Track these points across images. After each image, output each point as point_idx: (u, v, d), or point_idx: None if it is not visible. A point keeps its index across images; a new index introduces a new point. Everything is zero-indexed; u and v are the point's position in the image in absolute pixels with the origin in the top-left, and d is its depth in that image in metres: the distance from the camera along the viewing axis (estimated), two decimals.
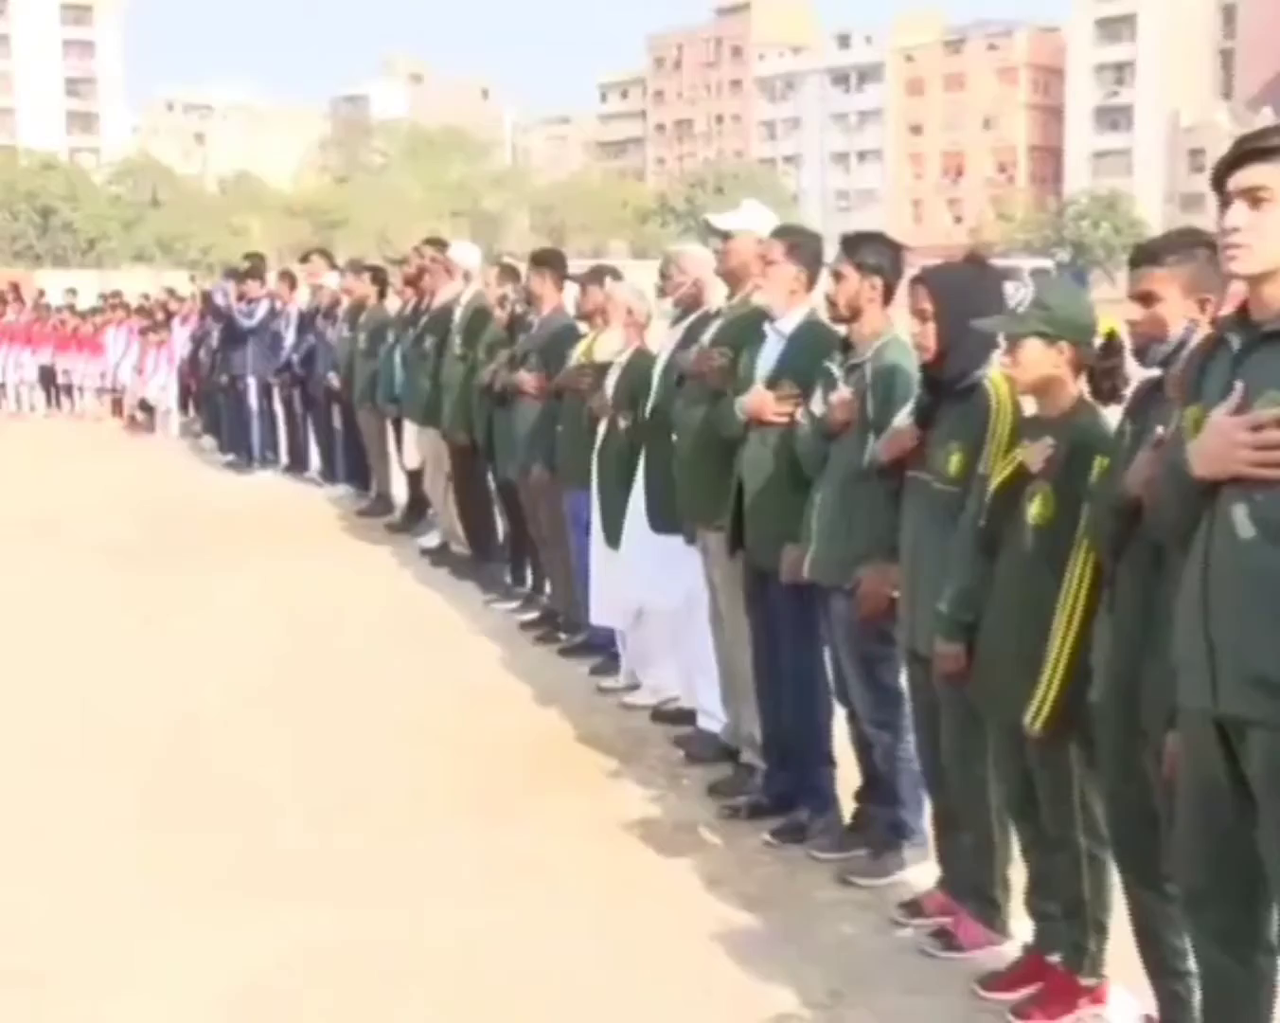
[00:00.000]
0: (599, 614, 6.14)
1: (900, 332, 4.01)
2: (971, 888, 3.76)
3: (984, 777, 3.58)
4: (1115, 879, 3.29)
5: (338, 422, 11.01)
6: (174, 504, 11.03)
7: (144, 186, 68.09)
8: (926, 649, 3.61)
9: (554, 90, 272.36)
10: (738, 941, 3.85)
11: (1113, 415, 3.21)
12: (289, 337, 11.88)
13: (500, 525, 8.06)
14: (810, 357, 4.35)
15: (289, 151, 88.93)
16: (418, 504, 9.61)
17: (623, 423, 5.81)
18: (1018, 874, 3.65)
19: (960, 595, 3.44)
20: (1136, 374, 3.16)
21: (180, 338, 15.87)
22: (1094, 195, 67.32)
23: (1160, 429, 2.82)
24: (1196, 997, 2.95)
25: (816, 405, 4.20)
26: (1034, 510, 3.24)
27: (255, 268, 13.04)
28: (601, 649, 6.38)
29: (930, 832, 4.05)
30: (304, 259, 12.37)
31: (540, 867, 4.38)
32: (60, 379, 18.55)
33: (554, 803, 4.88)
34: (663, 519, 5.36)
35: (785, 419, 4.38)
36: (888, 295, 4.13)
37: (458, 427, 7.97)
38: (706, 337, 4.95)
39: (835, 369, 4.17)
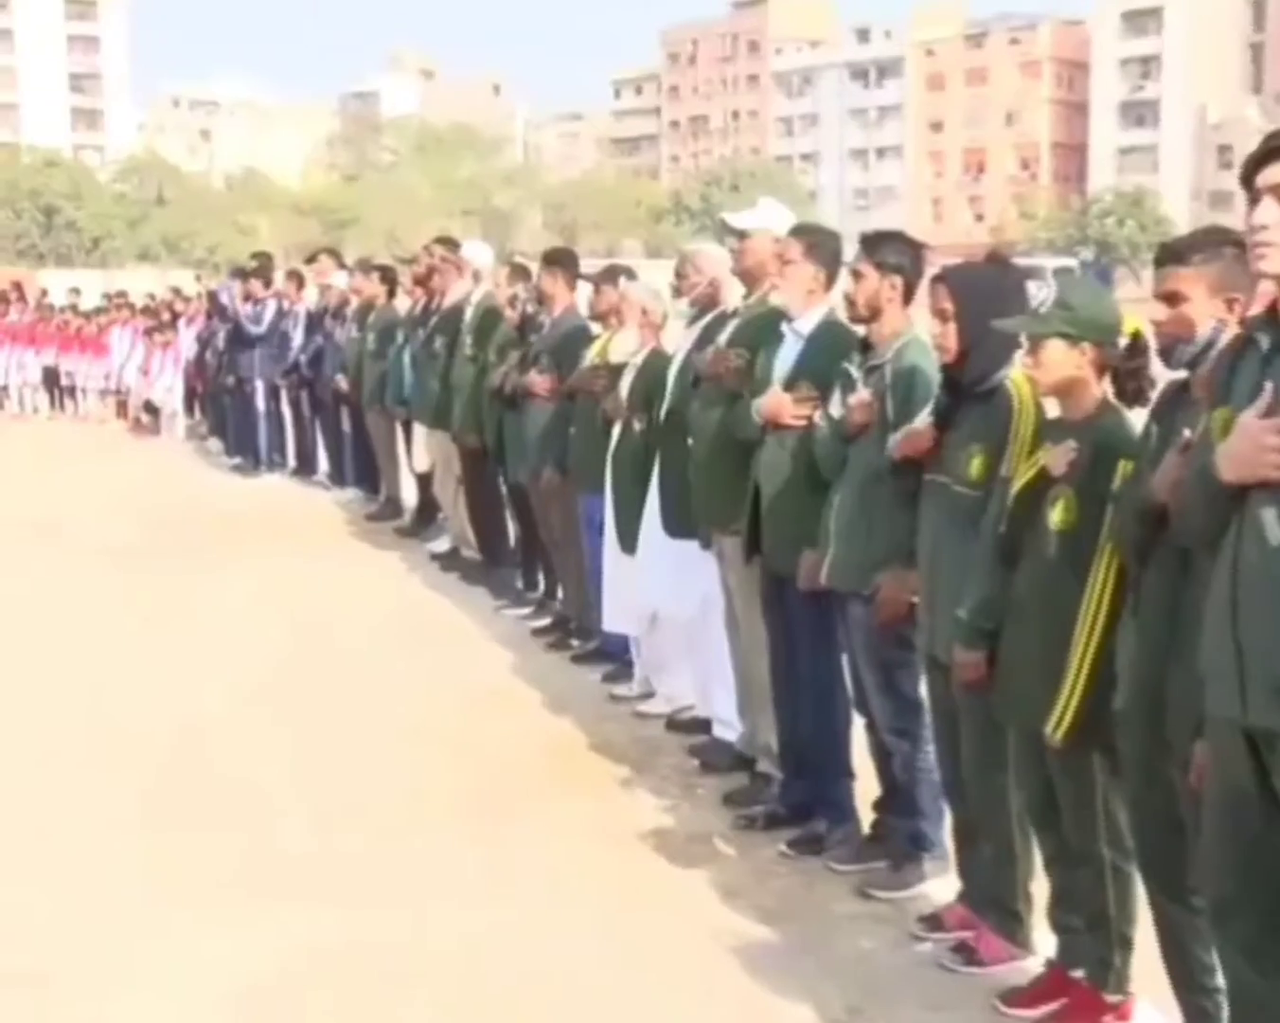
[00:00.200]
0: (612, 620, 6.15)
1: (921, 332, 4.02)
2: (993, 901, 3.76)
3: (1005, 787, 3.57)
4: (1140, 892, 3.28)
5: (346, 424, 11.03)
6: (179, 507, 11.08)
7: (149, 184, 68.37)
8: (946, 656, 3.61)
9: (567, 86, 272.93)
10: (753, 953, 3.85)
11: (1138, 418, 3.21)
12: (297, 337, 11.92)
13: (511, 530, 8.07)
14: (828, 358, 4.35)
15: (297, 149, 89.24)
16: (427, 508, 9.63)
17: (638, 425, 5.82)
18: (1040, 887, 3.65)
19: (981, 602, 3.44)
20: (1162, 376, 3.15)
21: (186, 339, 15.92)
22: (1119, 193, 67.15)
23: (1187, 432, 2.82)
24: (1225, 1013, 2.94)
25: (835, 407, 4.20)
26: (1056, 515, 3.24)
27: (262, 267, 13.08)
28: (615, 656, 6.39)
29: (950, 844, 4.05)
30: (312, 258, 12.40)
31: (547, 873, 4.40)
32: (64, 381, 18.60)
33: (562, 810, 4.89)
34: (678, 523, 5.36)
35: (803, 422, 4.38)
36: (908, 295, 4.13)
37: (468, 429, 7.99)
38: (723, 337, 4.95)
39: (854, 370, 4.17)
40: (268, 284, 12.78)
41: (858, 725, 4.46)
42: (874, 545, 3.99)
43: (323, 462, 12.13)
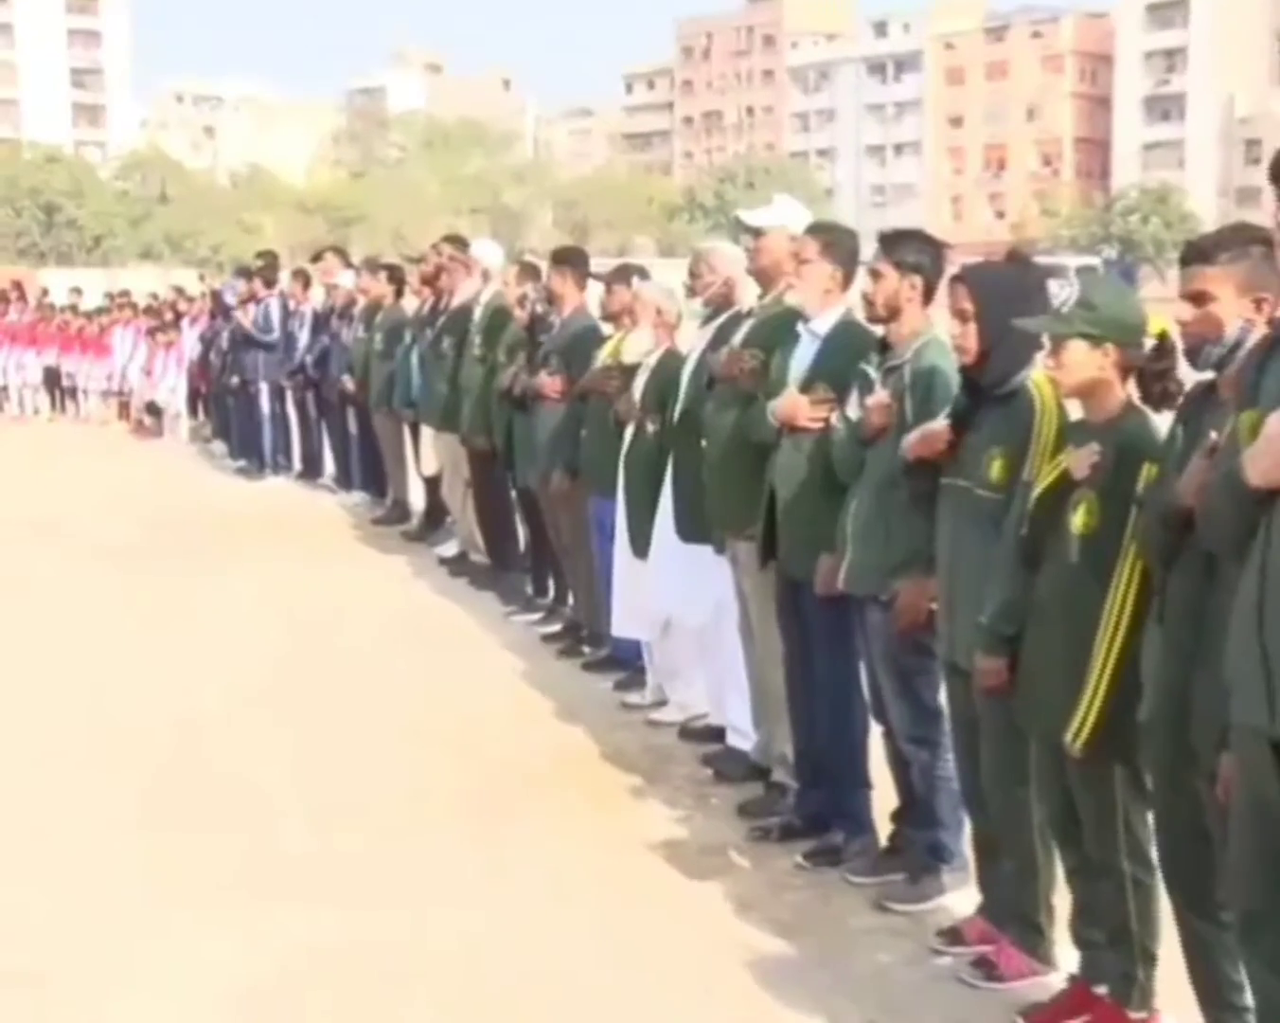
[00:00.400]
0: (622, 625, 6.15)
1: (940, 332, 4.02)
2: (1014, 915, 3.76)
3: (1026, 798, 3.57)
4: (1165, 906, 3.28)
5: (353, 426, 11.06)
6: (182, 510, 11.12)
7: (152, 181, 68.60)
8: (966, 663, 3.61)
9: (578, 81, 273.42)
10: (767, 967, 3.85)
11: (1165, 421, 3.21)
12: (303, 338, 11.94)
13: (521, 534, 8.09)
14: (845, 359, 4.35)
15: (302, 145, 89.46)
16: (435, 512, 9.65)
17: (651, 427, 5.83)
18: (1062, 900, 3.64)
19: (1002, 608, 3.44)
20: (1189, 377, 3.15)
21: (189, 339, 15.96)
22: (1143, 189, 67.00)
23: (1214, 434, 2.81)
24: None
25: (852, 409, 4.20)
26: (1078, 519, 3.24)
27: (268, 266, 13.11)
28: (627, 664, 6.40)
29: (970, 855, 4.05)
30: (318, 257, 12.43)
31: (550, 878, 4.43)
32: (65, 382, 18.66)
33: (572, 820, 4.91)
34: (691, 528, 5.37)
35: (819, 424, 4.39)
36: (928, 295, 4.13)
37: (477, 431, 8.00)
38: (737, 338, 4.96)
39: (872, 371, 4.17)
40: (269, 284, 12.81)
41: (875, 734, 4.46)
42: (892, 550, 3.99)
43: (328, 464, 12.15)
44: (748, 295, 5.23)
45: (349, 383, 10.65)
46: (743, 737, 5.31)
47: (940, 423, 3.77)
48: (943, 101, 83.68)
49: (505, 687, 6.51)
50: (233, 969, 3.84)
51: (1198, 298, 2.96)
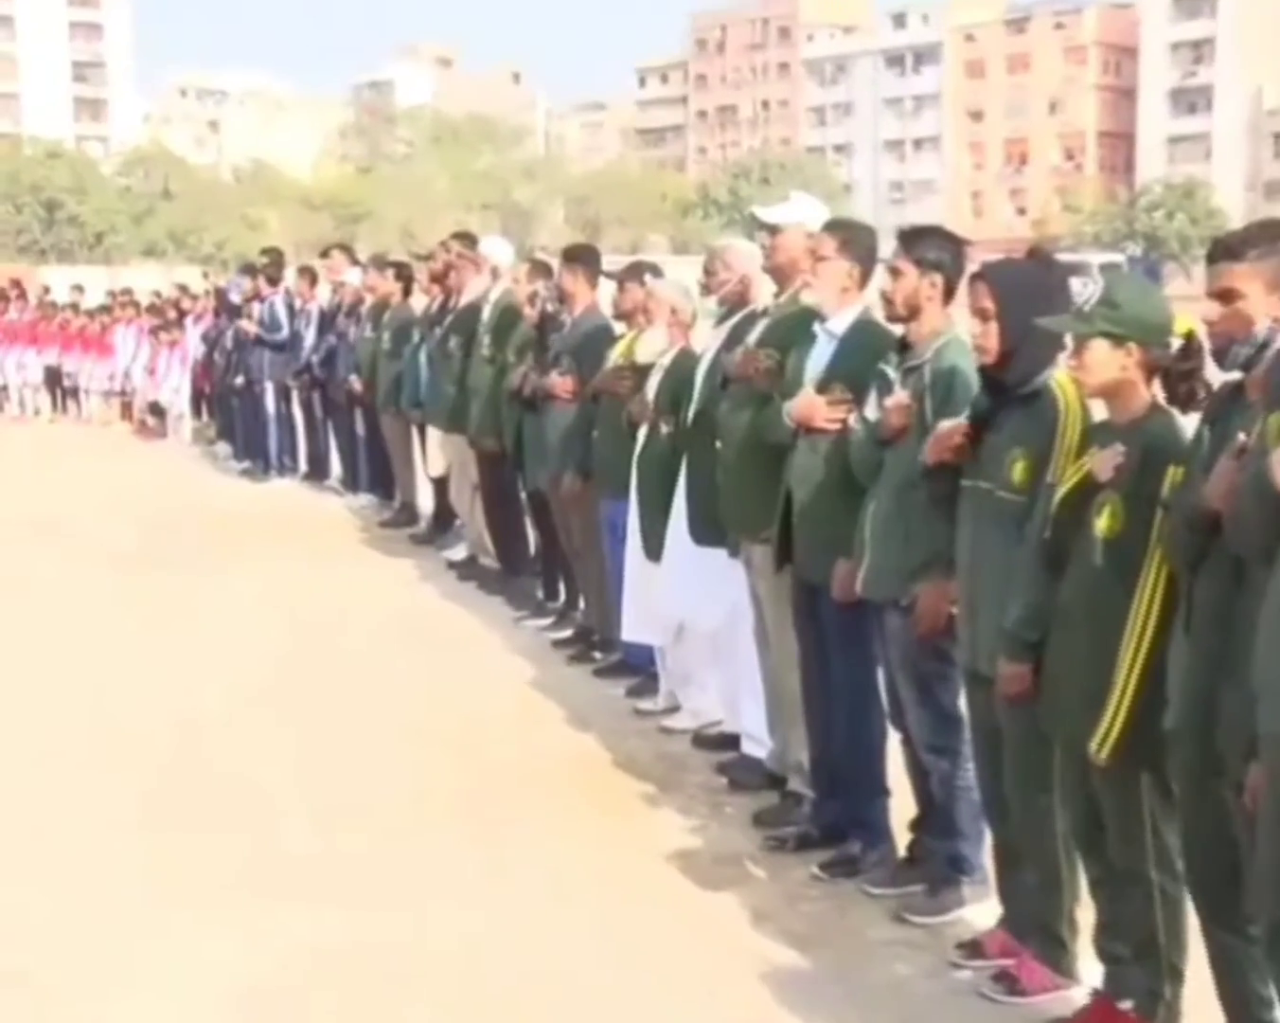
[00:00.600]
0: (632, 630, 6.16)
1: (961, 332, 4.02)
2: (1036, 927, 3.75)
3: (1050, 806, 3.57)
4: (1192, 920, 3.27)
5: (360, 427, 11.08)
6: (185, 512, 11.15)
7: (155, 177, 68.81)
8: (988, 669, 3.61)
9: (589, 75, 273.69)
10: (783, 981, 3.86)
11: (1190, 423, 3.21)
12: (309, 337, 11.96)
13: (531, 538, 8.10)
14: (863, 358, 4.36)
15: (308, 140, 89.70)
16: (444, 515, 9.66)
17: (665, 428, 5.83)
18: (1086, 913, 3.64)
19: (1025, 612, 3.44)
20: (1217, 378, 3.15)
21: (193, 338, 16.00)
22: (1169, 184, 66.87)
23: (1242, 436, 2.81)
24: None
25: (871, 410, 4.20)
26: (1102, 522, 3.24)
27: (273, 264, 13.14)
28: (639, 669, 6.40)
29: (991, 866, 4.04)
30: (324, 254, 12.45)
31: (559, 887, 4.45)
32: (66, 382, 18.72)
33: (581, 826, 4.93)
34: (705, 530, 5.38)
35: (836, 425, 4.39)
36: (948, 293, 4.13)
37: (486, 432, 8.01)
38: (752, 337, 4.96)
39: (891, 372, 4.17)
40: (274, 282, 12.84)
41: (893, 742, 4.46)
42: (912, 553, 3.99)
43: (335, 466, 12.18)
44: (764, 294, 5.24)
45: (356, 383, 10.67)
46: (758, 744, 5.31)
47: (957, 421, 3.77)
48: (962, 95, 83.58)
49: (513, 691, 6.53)
50: (234, 970, 3.91)
51: (1225, 296, 2.96)
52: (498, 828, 4.92)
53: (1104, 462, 3.26)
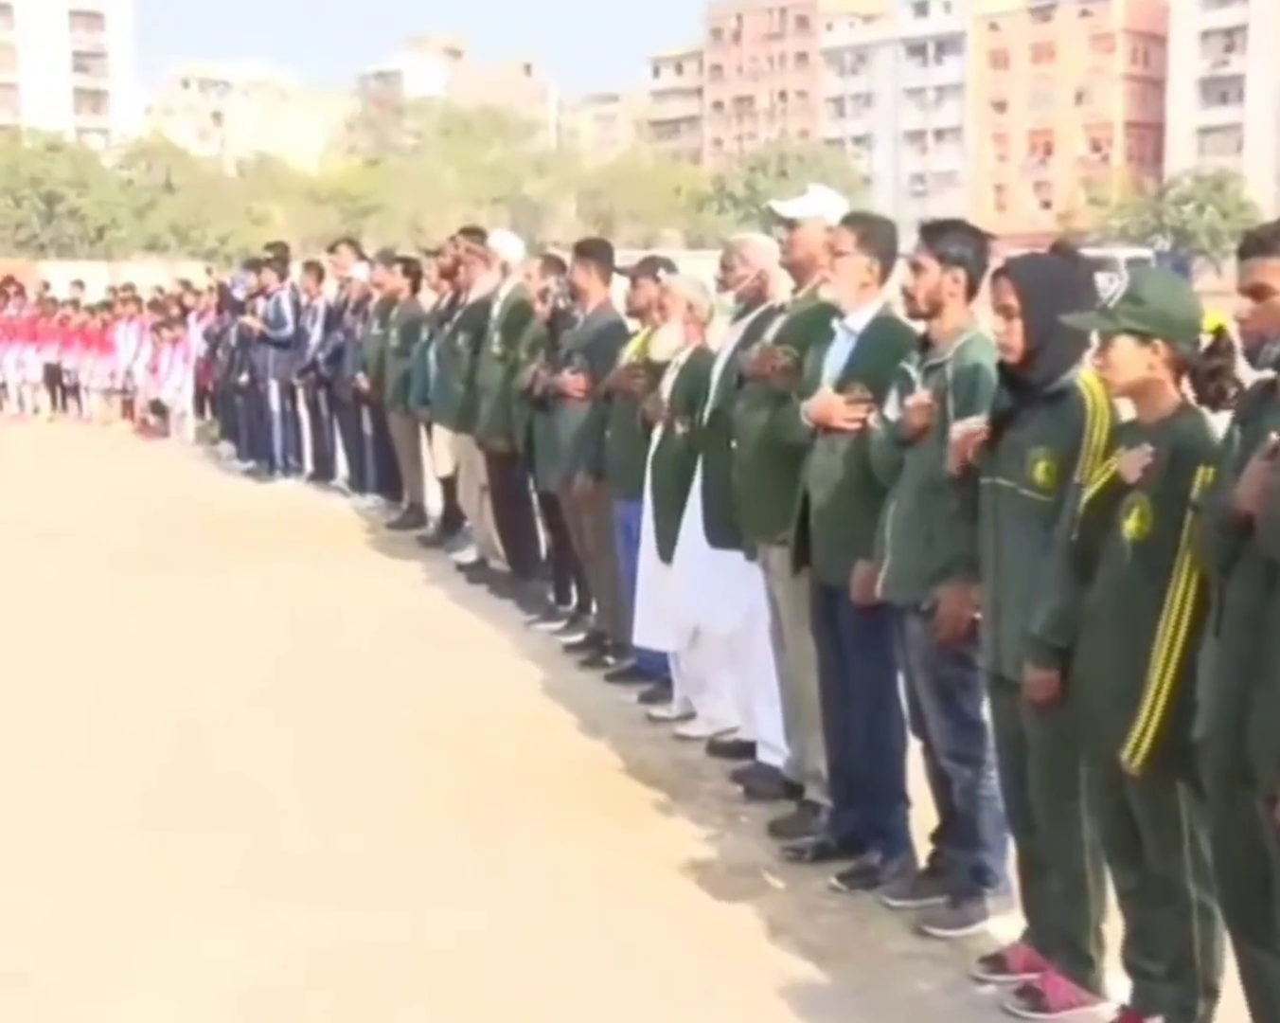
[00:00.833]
0: (644, 635, 6.17)
1: (984, 329, 4.02)
2: (1061, 941, 3.75)
3: (1077, 816, 3.56)
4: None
5: (367, 426, 11.11)
6: (188, 513, 11.19)
7: (157, 170, 69.01)
8: (1013, 674, 3.60)
9: (602, 65, 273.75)
10: (800, 995, 3.86)
11: (1221, 422, 3.20)
12: (315, 334, 11.99)
13: (543, 540, 8.11)
14: (883, 356, 4.36)
15: (314, 132, 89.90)
16: (453, 516, 9.68)
17: (680, 428, 5.84)
18: (1113, 926, 3.63)
19: (1053, 617, 3.44)
20: (1249, 376, 3.14)
21: (196, 335, 16.05)
22: (1199, 176, 66.70)
23: (1274, 436, 2.80)
24: None
25: (891, 409, 4.21)
26: (1131, 524, 3.23)
27: (278, 259, 13.17)
28: (653, 675, 6.41)
29: (1015, 878, 4.04)
30: (331, 249, 12.49)
31: (567, 897, 4.47)
32: (66, 379, 18.78)
33: (591, 834, 4.94)
34: (721, 532, 5.38)
35: (855, 425, 4.39)
36: (971, 289, 4.13)
37: (496, 432, 8.02)
38: (769, 334, 4.96)
39: (912, 370, 4.17)
40: (281, 276, 12.88)
41: (914, 749, 4.46)
42: (933, 556, 3.98)
43: (341, 466, 12.21)
44: (782, 290, 5.24)
45: (363, 381, 10.69)
46: (774, 752, 5.32)
47: (978, 421, 3.76)
48: (986, 85, 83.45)
49: (522, 695, 6.55)
50: (233, 969, 3.98)
51: (1257, 292, 2.96)
52: (498, 829, 4.97)
53: (1132, 463, 3.25)
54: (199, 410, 16.37)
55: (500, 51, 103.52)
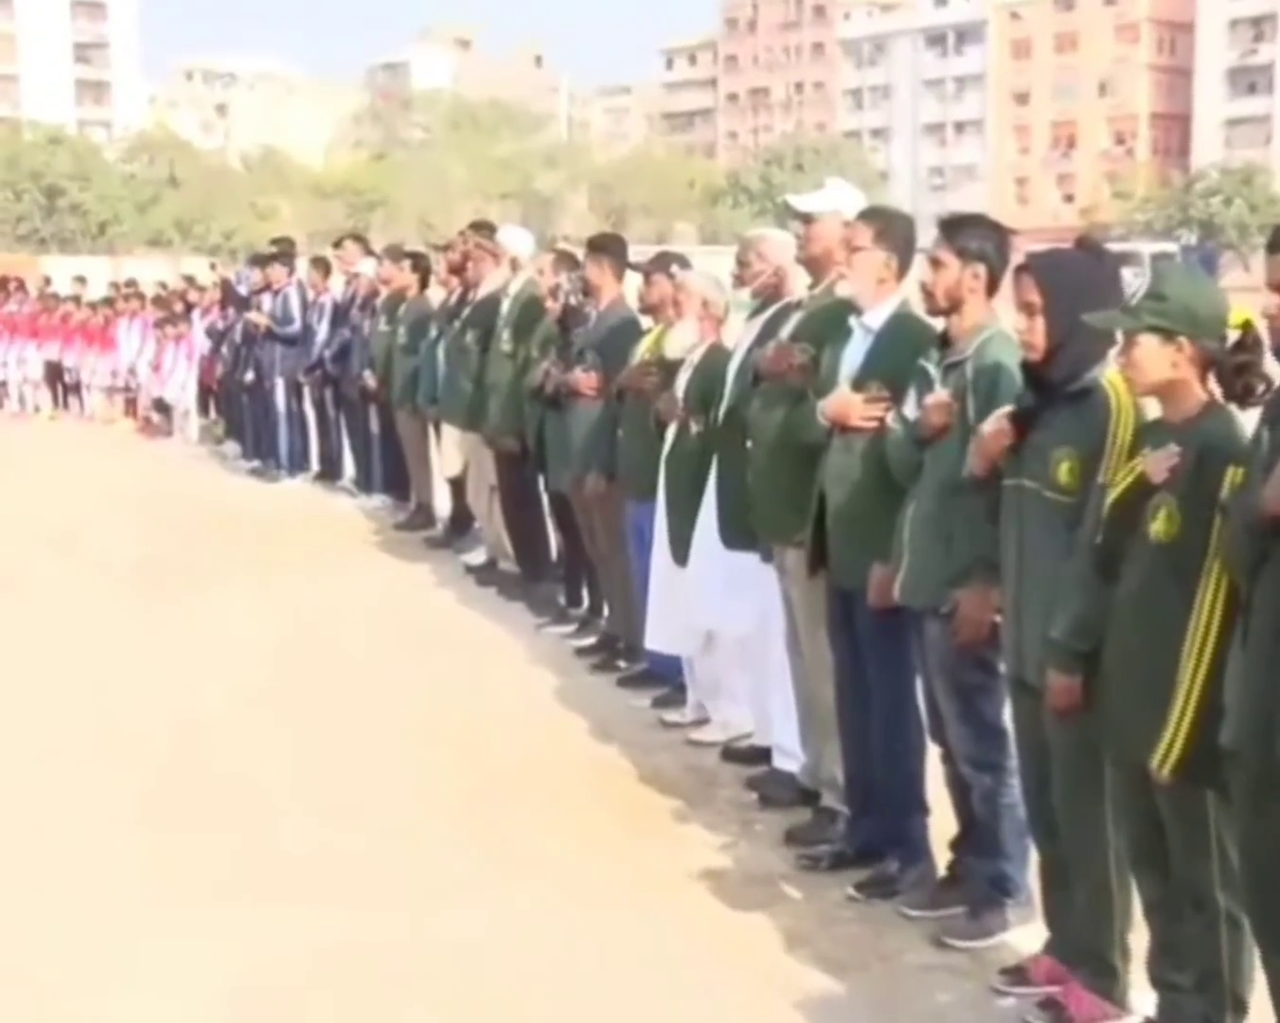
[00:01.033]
0: (655, 638, 6.17)
1: (1005, 326, 4.01)
2: (1085, 952, 3.74)
3: (1101, 824, 3.56)
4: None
5: (374, 425, 11.12)
6: (191, 513, 11.23)
7: (160, 164, 69.22)
8: (1035, 679, 3.60)
9: (614, 57, 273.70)
10: (816, 1007, 3.86)
11: (1250, 420, 3.19)
12: (321, 331, 12.01)
13: (553, 541, 8.12)
14: (901, 354, 4.36)
15: (320, 125, 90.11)
16: (462, 517, 9.68)
17: (694, 427, 5.84)
18: (1138, 937, 3.63)
19: (1076, 621, 3.43)
20: (1278, 375, 3.13)
21: (200, 331, 16.07)
22: (1226, 168, 66.49)
23: None
24: None
25: (910, 408, 4.20)
26: (1157, 526, 3.22)
27: (284, 255, 13.19)
28: (666, 679, 6.41)
29: (1037, 887, 4.03)
30: (337, 244, 12.51)
31: (572, 901, 4.48)
32: (67, 377, 18.83)
33: (600, 840, 4.95)
34: (736, 534, 5.39)
35: (873, 424, 4.39)
36: (992, 285, 4.13)
37: (505, 431, 8.03)
38: (786, 331, 4.97)
39: (931, 368, 4.17)
40: (289, 271, 12.90)
41: (932, 756, 4.45)
42: (953, 558, 3.98)
43: (348, 466, 12.23)
44: (799, 286, 5.24)
45: (370, 379, 10.70)
46: (790, 758, 5.32)
47: (1000, 422, 3.75)
48: (1007, 76, 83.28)
49: (531, 700, 6.56)
50: (233, 969, 4.03)
51: None
52: (501, 831, 5.01)
53: (1157, 463, 3.24)
54: (203, 409, 16.39)
55: (510, 42, 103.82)
